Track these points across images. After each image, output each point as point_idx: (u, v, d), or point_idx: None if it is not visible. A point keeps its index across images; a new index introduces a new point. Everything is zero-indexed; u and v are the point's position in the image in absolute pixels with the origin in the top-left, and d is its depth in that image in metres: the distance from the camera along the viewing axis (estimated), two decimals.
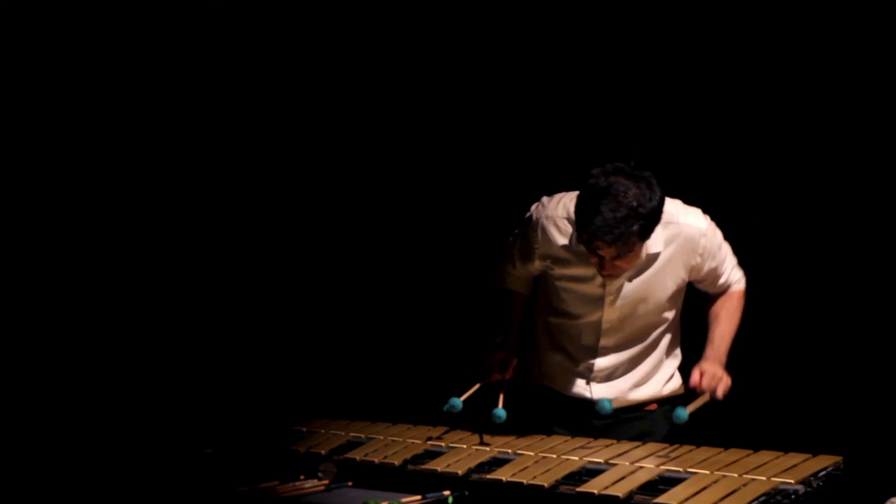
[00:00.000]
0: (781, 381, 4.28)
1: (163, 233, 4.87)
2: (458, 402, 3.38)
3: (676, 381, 3.60)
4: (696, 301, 3.55)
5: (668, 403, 3.53)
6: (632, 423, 3.49)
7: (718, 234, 3.48)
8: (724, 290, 3.55)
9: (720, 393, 3.33)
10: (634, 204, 3.11)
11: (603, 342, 3.49)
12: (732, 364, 4.28)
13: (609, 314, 3.45)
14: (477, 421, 3.46)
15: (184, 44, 4.82)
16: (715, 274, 3.50)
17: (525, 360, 3.63)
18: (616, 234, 3.11)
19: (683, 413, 3.26)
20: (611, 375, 3.51)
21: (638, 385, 3.53)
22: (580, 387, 3.53)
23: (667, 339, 3.56)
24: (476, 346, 3.61)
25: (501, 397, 3.44)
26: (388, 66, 4.94)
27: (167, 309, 4.84)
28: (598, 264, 3.27)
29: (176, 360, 4.77)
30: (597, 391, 3.51)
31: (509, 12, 4.67)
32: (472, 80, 4.79)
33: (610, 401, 3.42)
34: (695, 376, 3.34)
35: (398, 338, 4.93)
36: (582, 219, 3.16)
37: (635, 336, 3.50)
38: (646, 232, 3.19)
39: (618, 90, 4.53)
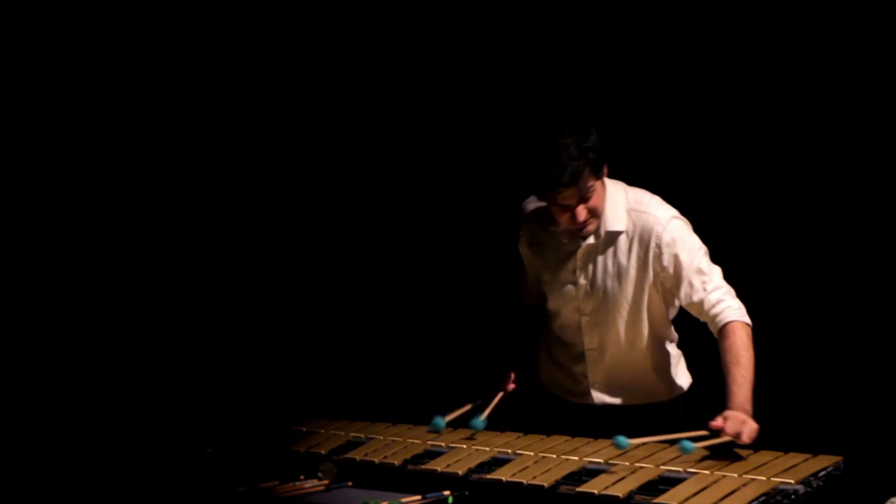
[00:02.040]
0: (781, 381, 4.27)
1: (163, 234, 4.87)
2: (441, 422, 3.44)
3: (684, 380, 3.59)
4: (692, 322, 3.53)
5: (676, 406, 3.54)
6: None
7: (682, 228, 3.39)
8: (712, 314, 3.32)
9: (745, 438, 3.09)
10: (575, 140, 3.24)
11: (587, 342, 3.49)
12: None
13: (584, 303, 3.46)
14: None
15: (184, 44, 4.83)
16: (680, 276, 3.34)
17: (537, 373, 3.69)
18: (571, 171, 3.22)
19: (690, 445, 3.06)
20: (609, 384, 3.51)
21: (637, 391, 3.52)
22: (581, 394, 3.55)
23: (662, 357, 3.52)
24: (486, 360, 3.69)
25: (489, 409, 3.47)
26: (392, 68, 4.94)
27: (167, 310, 4.84)
28: (568, 220, 3.34)
29: (176, 361, 4.77)
30: (598, 398, 3.53)
31: (508, 14, 4.67)
32: (476, 81, 4.79)
33: (626, 439, 3.16)
34: (718, 420, 3.11)
35: (398, 338, 4.93)
36: (537, 180, 3.30)
37: (619, 338, 3.46)
38: (597, 165, 3.30)
39: (616, 92, 4.52)
